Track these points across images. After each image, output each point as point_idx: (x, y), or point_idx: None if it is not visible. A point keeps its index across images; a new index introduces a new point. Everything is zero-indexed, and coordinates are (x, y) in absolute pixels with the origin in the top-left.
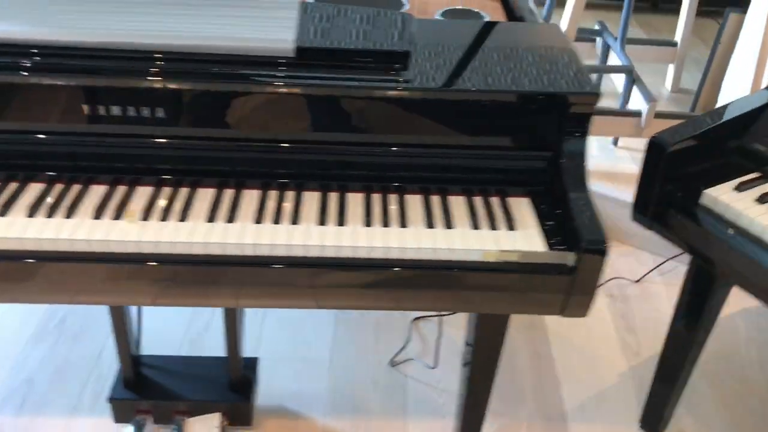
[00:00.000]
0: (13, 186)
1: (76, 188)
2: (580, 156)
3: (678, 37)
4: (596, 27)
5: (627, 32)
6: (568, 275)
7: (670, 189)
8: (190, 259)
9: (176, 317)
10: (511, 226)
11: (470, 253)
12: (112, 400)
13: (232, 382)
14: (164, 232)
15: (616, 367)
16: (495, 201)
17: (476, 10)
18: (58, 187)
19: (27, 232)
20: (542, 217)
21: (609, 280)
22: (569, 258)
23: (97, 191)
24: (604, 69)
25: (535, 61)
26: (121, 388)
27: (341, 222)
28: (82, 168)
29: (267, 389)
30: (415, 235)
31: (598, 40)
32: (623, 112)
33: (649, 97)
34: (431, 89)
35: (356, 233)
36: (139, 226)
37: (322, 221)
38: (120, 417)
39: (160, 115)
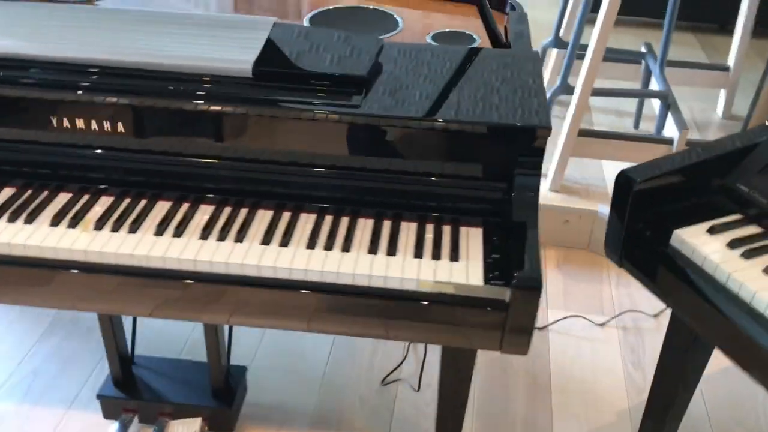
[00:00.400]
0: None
1: (42, 195)
2: (530, 189)
3: (731, 60)
4: (643, 49)
5: (667, 55)
6: (503, 311)
7: (641, 227)
8: (132, 270)
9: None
10: (455, 257)
11: (405, 281)
12: (100, 397)
13: (214, 388)
14: (111, 243)
15: (615, 404)
16: (447, 230)
17: (468, 33)
18: (27, 193)
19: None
20: (492, 249)
21: (625, 312)
22: (505, 293)
23: (60, 199)
24: (637, 93)
25: (494, 92)
26: (110, 386)
27: (285, 243)
28: (46, 176)
29: (255, 398)
30: (354, 260)
31: (644, 62)
32: (655, 139)
33: (681, 125)
34: (375, 116)
35: (297, 255)
36: (92, 236)
37: (267, 241)
38: (108, 414)
39: (120, 128)
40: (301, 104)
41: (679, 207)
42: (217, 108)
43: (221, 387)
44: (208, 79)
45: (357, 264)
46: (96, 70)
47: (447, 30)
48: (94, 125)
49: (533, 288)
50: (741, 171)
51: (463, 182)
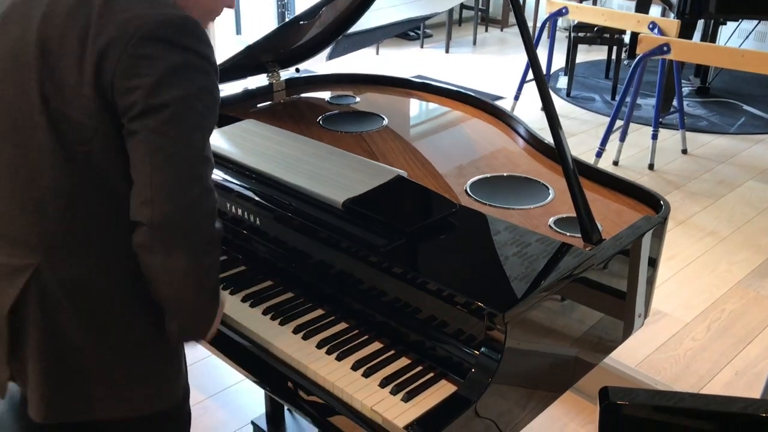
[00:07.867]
0: None
1: None
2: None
3: None
4: None
5: None
6: None
7: None
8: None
9: None
10: (407, 399)
11: (354, 399)
12: (253, 424)
13: None
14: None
15: None
16: (428, 376)
17: (598, 225)
18: None
19: None
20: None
21: None
22: None
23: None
24: None
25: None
26: (263, 419)
27: (305, 336)
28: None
29: None
30: (335, 369)
31: None
32: None
33: None
34: (394, 268)
35: (304, 349)
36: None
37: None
38: None
39: (260, 221)
40: (349, 236)
41: None
42: (311, 225)
43: None
44: (311, 201)
45: (331, 372)
46: (250, 173)
47: (566, 216)
48: (243, 212)
49: None
50: None
51: (450, 340)
